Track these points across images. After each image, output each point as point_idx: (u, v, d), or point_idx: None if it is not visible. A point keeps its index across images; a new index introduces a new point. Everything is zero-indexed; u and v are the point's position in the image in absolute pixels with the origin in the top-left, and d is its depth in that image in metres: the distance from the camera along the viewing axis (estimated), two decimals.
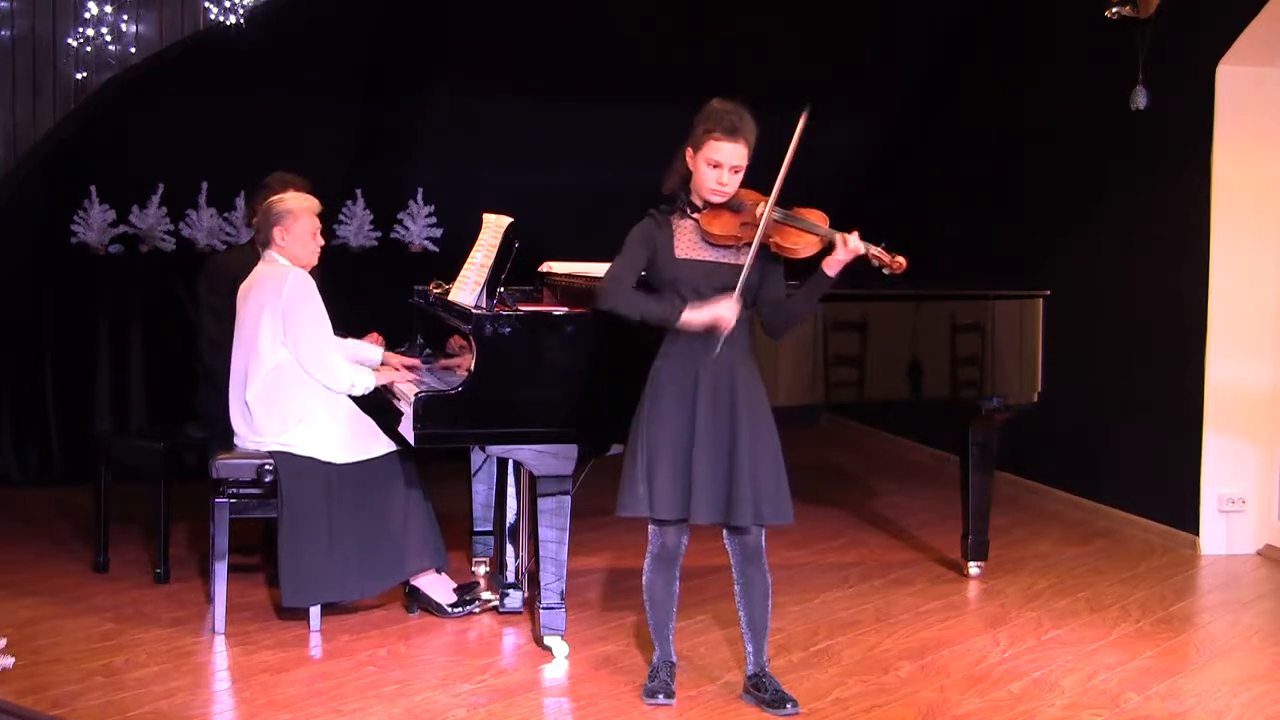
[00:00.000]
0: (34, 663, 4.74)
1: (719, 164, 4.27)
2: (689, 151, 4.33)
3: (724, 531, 4.45)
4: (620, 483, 4.38)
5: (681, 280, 4.33)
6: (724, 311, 4.24)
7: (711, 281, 4.30)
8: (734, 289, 4.24)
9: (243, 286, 5.28)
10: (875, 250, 4.31)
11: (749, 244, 4.29)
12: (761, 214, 4.26)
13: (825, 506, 7.26)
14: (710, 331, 4.25)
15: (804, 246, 4.30)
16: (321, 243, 5.31)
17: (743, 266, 4.26)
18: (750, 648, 4.50)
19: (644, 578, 4.51)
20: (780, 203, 4.31)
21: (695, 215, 4.36)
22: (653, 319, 4.34)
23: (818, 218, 4.34)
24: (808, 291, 4.38)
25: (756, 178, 4.35)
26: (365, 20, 7.62)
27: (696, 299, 4.29)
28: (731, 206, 4.33)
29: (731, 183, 4.31)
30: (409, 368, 5.42)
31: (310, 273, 5.25)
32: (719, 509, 4.31)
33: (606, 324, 4.81)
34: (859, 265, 4.35)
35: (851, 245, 4.25)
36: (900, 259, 4.32)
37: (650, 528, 4.45)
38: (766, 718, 4.40)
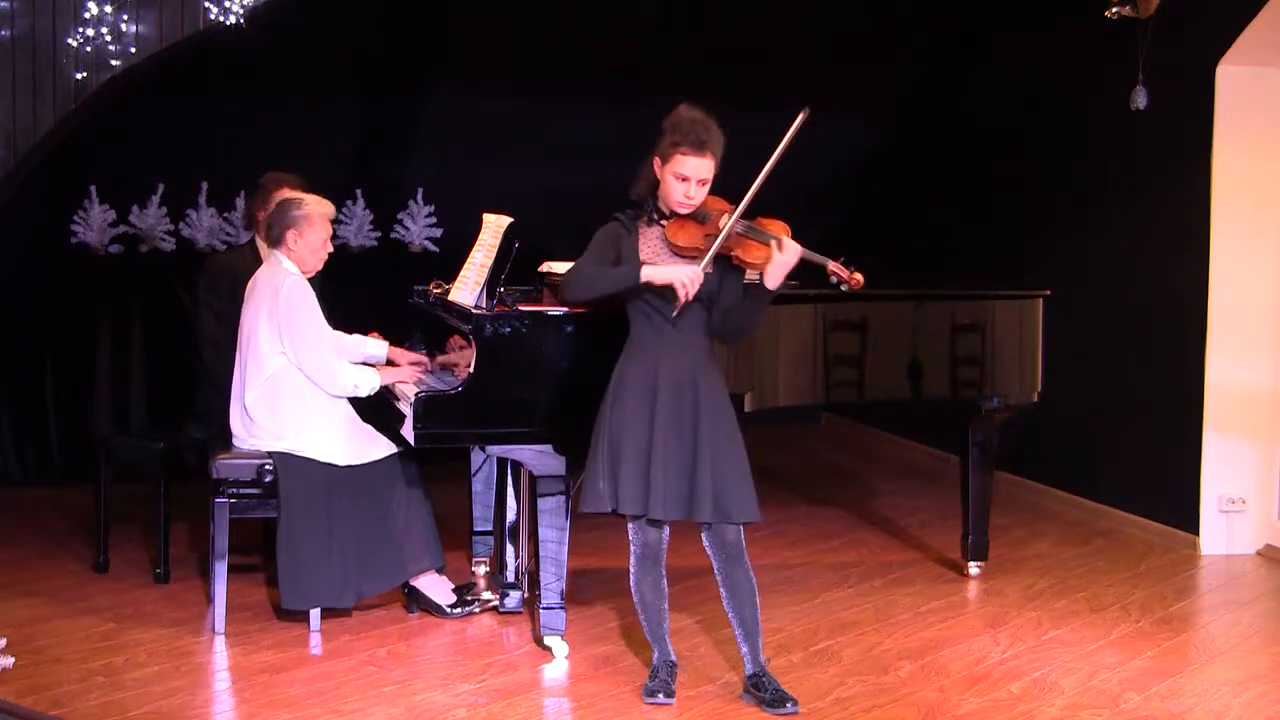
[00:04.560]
0: (34, 663, 4.74)
1: (686, 178, 4.33)
2: (656, 161, 4.38)
3: (703, 535, 4.47)
4: (582, 480, 4.42)
5: (644, 286, 4.36)
6: (684, 274, 4.27)
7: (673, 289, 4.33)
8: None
9: (247, 288, 5.27)
10: (834, 265, 4.35)
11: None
12: (724, 225, 4.30)
13: (825, 506, 7.24)
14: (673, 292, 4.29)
15: (764, 261, 4.34)
16: (331, 249, 5.30)
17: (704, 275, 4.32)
18: (745, 648, 4.50)
19: (631, 580, 4.52)
20: (746, 214, 4.34)
21: (662, 224, 4.41)
22: (616, 282, 4.37)
23: (778, 229, 4.37)
24: (751, 304, 4.42)
25: (748, 179, 4.36)
26: (365, 20, 7.62)
27: (660, 303, 4.35)
28: (697, 217, 4.39)
29: (698, 194, 4.36)
30: (414, 363, 5.42)
31: (312, 277, 5.26)
32: (680, 506, 4.35)
33: (607, 324, 4.81)
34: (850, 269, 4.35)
35: (786, 250, 4.27)
36: (858, 276, 4.37)
37: (630, 527, 4.47)
38: (766, 717, 4.40)
